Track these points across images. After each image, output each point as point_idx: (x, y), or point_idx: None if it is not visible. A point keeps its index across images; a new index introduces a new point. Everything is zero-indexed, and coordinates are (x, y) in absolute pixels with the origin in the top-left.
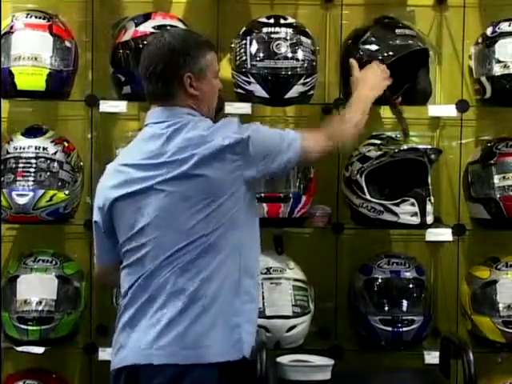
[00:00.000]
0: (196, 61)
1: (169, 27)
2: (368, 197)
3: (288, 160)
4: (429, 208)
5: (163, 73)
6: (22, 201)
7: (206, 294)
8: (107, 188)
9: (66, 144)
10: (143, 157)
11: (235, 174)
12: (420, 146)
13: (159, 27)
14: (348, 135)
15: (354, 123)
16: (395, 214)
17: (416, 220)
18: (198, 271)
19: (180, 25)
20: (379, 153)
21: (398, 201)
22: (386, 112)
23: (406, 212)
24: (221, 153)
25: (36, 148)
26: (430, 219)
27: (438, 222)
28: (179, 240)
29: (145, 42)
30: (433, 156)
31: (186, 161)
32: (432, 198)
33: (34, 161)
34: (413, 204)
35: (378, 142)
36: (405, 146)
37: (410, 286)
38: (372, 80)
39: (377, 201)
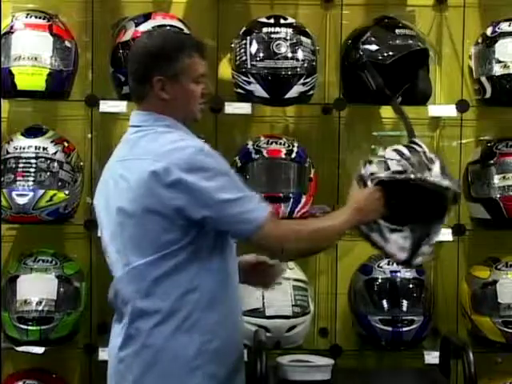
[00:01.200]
0: (170, 64)
1: (169, 27)
2: None
3: (236, 232)
4: (423, 250)
5: (136, 73)
6: (22, 201)
7: (160, 337)
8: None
9: (66, 144)
10: (116, 160)
11: (172, 209)
12: (444, 183)
13: (159, 27)
14: (317, 244)
15: (327, 238)
16: (385, 238)
17: (402, 256)
18: (152, 307)
19: (180, 25)
20: (398, 168)
21: (393, 227)
22: (386, 112)
23: (396, 242)
24: (156, 182)
25: (36, 148)
26: (418, 261)
27: None
28: (123, 262)
29: None
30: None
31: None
32: (435, 241)
33: (34, 161)
34: (405, 238)
35: (406, 152)
36: (429, 177)
37: (410, 285)
38: (363, 207)
39: None
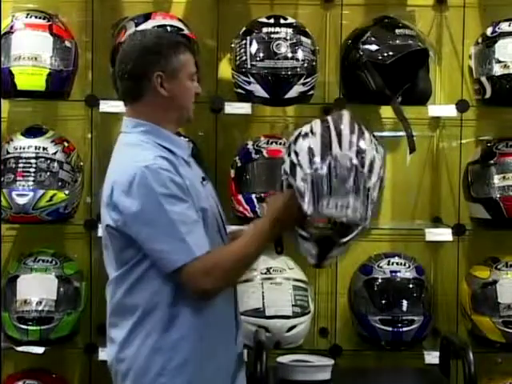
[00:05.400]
0: (168, 60)
1: (169, 27)
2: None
3: (157, 266)
4: (333, 253)
5: (133, 70)
6: (22, 201)
7: (126, 357)
8: None
9: (66, 144)
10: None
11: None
12: (338, 213)
13: (159, 27)
14: (243, 270)
15: (243, 261)
16: (298, 243)
17: (311, 260)
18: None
19: (180, 25)
20: (300, 183)
21: (303, 234)
22: (386, 112)
23: (305, 248)
24: (108, 202)
25: (36, 148)
26: (328, 263)
27: (438, 222)
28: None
29: None
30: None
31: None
32: (349, 237)
33: (33, 161)
34: (313, 245)
35: (316, 156)
36: (323, 208)
37: (410, 286)
38: (280, 216)
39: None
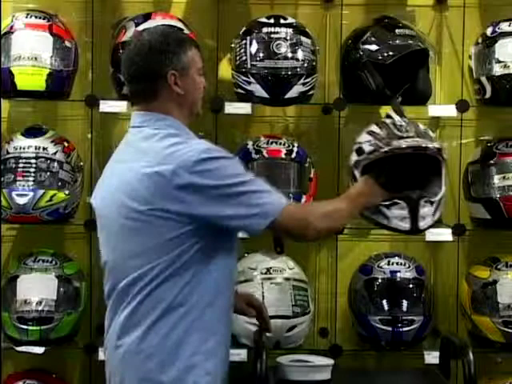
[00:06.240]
0: (179, 58)
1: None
2: None
3: (248, 226)
4: (424, 211)
5: (146, 71)
6: (22, 201)
7: (152, 342)
8: (97, 187)
9: (66, 144)
10: (118, 162)
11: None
12: (419, 143)
13: None
14: (333, 224)
15: (334, 211)
16: (386, 216)
17: (405, 225)
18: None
19: (180, 25)
20: (370, 148)
21: (389, 203)
22: (386, 112)
23: (396, 216)
24: (163, 185)
25: (36, 148)
26: (424, 224)
27: (438, 222)
28: (130, 264)
29: None
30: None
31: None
32: (436, 199)
33: (33, 161)
34: (403, 208)
35: (375, 129)
36: (403, 144)
37: (410, 286)
38: (360, 198)
39: None
